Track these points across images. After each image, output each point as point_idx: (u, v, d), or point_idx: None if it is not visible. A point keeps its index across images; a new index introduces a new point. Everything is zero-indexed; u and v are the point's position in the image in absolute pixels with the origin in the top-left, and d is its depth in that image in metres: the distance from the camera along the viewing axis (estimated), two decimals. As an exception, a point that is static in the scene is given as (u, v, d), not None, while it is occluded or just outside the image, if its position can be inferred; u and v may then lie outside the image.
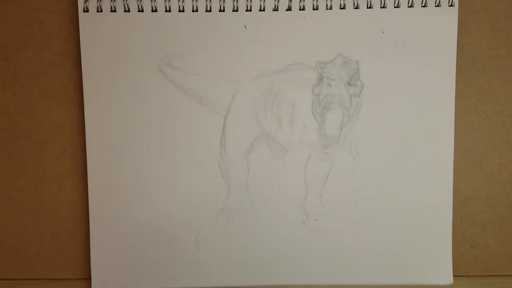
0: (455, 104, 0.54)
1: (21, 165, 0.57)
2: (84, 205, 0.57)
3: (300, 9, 0.54)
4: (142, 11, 0.54)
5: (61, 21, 0.56)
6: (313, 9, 0.54)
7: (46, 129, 0.57)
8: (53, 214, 0.58)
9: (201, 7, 0.54)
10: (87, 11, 0.54)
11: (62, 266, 0.58)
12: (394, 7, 0.54)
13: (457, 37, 0.54)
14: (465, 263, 0.57)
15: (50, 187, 0.57)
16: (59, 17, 0.56)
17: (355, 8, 0.54)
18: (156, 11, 0.54)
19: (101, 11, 0.54)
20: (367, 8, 0.54)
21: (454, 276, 0.56)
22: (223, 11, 0.54)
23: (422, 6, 0.54)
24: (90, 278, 0.57)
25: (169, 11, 0.54)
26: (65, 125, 0.57)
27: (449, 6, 0.54)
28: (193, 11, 0.54)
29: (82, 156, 0.56)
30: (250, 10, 0.54)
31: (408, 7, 0.54)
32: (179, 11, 0.54)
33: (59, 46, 0.56)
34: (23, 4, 0.56)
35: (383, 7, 0.54)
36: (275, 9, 0.54)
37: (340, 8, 0.54)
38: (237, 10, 0.54)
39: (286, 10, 0.54)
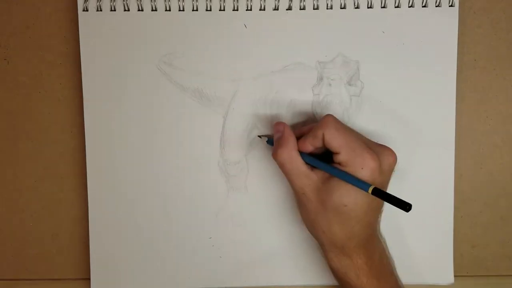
0: (456, 104, 0.54)
1: (21, 165, 0.57)
2: (83, 205, 0.57)
3: (300, 9, 0.54)
4: (142, 10, 0.54)
5: (61, 21, 0.56)
6: (314, 9, 0.54)
7: (46, 129, 0.57)
8: (53, 214, 0.58)
9: (201, 6, 0.54)
10: (87, 10, 0.54)
11: (62, 266, 0.58)
12: (395, 7, 0.54)
13: (458, 37, 0.54)
14: (465, 263, 0.57)
15: (50, 187, 0.57)
16: (59, 17, 0.56)
17: (355, 8, 0.54)
18: (156, 10, 0.54)
19: (101, 10, 0.54)
20: (368, 8, 0.54)
21: (454, 276, 0.56)
22: (223, 10, 0.54)
23: (422, 6, 0.54)
24: (90, 278, 0.57)
25: (169, 10, 0.54)
26: (65, 125, 0.57)
27: (449, 6, 0.54)
28: (193, 10, 0.54)
29: (82, 156, 0.56)
30: (251, 10, 0.54)
31: (409, 7, 0.54)
32: (179, 10, 0.54)
33: (59, 46, 0.56)
34: (23, 4, 0.56)
35: (384, 7, 0.54)
36: (276, 8, 0.54)
37: (341, 8, 0.54)
38: (237, 10, 0.54)
39: (287, 10, 0.54)
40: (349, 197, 0.45)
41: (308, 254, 0.56)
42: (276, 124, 0.50)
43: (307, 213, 0.48)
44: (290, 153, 0.47)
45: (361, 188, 0.44)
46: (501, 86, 0.56)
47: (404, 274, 0.55)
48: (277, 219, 0.56)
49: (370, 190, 0.43)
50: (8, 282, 0.58)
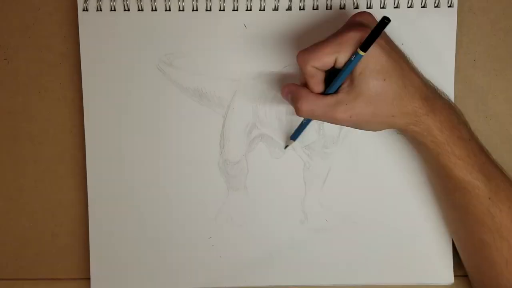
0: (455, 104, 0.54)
1: (21, 165, 0.57)
2: (83, 205, 0.57)
3: (300, 9, 0.54)
4: (142, 10, 0.54)
5: (61, 21, 0.56)
6: (313, 9, 0.54)
7: (46, 129, 0.57)
8: (53, 214, 0.58)
9: (201, 6, 0.54)
10: (87, 10, 0.54)
11: (62, 266, 0.58)
12: (394, 8, 0.54)
13: (457, 37, 0.54)
14: (465, 263, 0.57)
15: (50, 187, 0.57)
16: (59, 17, 0.56)
17: (355, 8, 0.54)
18: (156, 10, 0.54)
19: (101, 10, 0.54)
20: (367, 8, 0.54)
21: (454, 276, 0.56)
22: (223, 10, 0.54)
23: (421, 7, 0.54)
24: (90, 278, 0.57)
25: (169, 10, 0.54)
26: (65, 125, 0.57)
27: (448, 6, 0.54)
28: (193, 10, 0.54)
29: (82, 156, 0.56)
30: (250, 10, 0.54)
31: (408, 7, 0.54)
32: (179, 10, 0.54)
33: (59, 46, 0.56)
34: (23, 4, 0.56)
35: (383, 7, 0.54)
36: (275, 8, 0.54)
37: (340, 8, 0.54)
38: (237, 10, 0.54)
39: (286, 10, 0.54)
40: (377, 74, 0.45)
41: (308, 254, 0.56)
42: (282, 89, 0.50)
43: (368, 124, 0.48)
44: (309, 101, 0.47)
45: (361, 51, 0.43)
46: (500, 86, 0.56)
47: (404, 274, 0.55)
48: (277, 219, 0.56)
49: (360, 51, 0.43)
50: (8, 282, 0.58)
